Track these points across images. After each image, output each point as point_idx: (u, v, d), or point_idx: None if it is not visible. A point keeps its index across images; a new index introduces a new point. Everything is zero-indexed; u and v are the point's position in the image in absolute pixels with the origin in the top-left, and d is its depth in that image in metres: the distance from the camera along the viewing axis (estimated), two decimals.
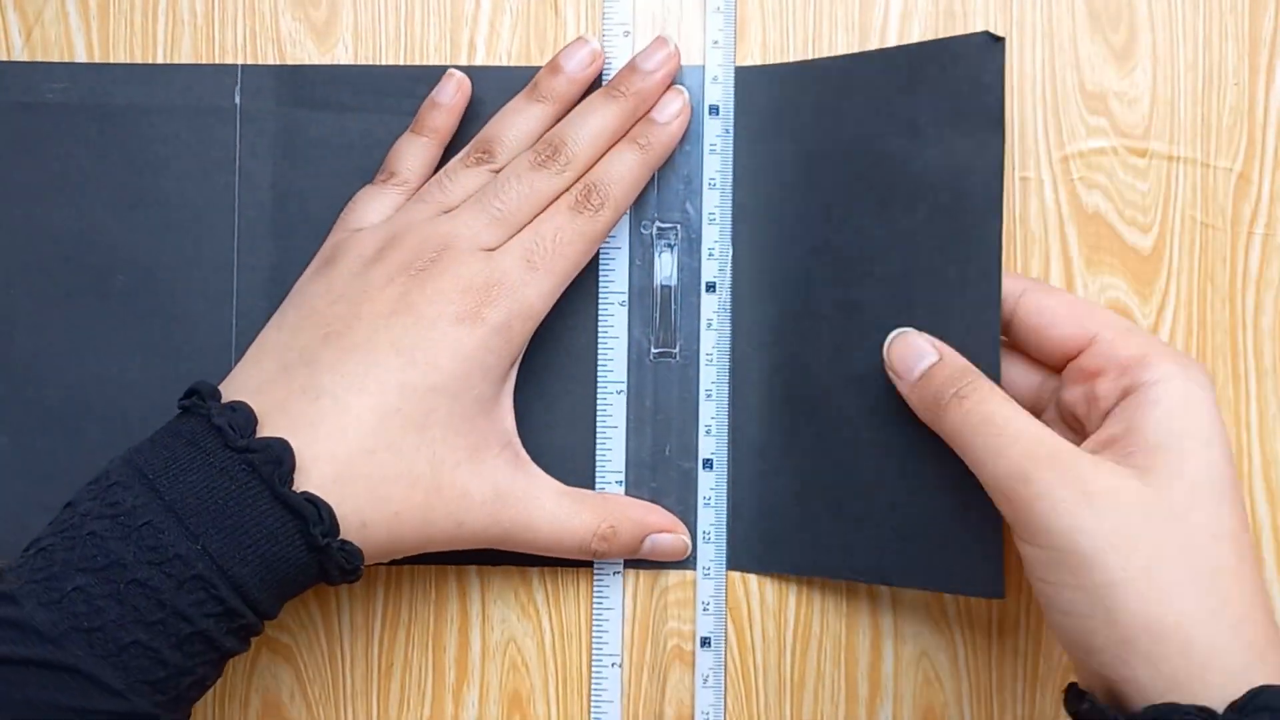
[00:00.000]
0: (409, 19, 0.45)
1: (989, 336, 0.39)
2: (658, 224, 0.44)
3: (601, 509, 0.41)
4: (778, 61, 0.44)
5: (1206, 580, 0.34)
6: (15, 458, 0.44)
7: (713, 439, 0.44)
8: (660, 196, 0.44)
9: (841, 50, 0.44)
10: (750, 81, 0.44)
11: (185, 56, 0.45)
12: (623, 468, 0.44)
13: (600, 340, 0.44)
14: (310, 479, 0.36)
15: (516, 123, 0.42)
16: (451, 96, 0.43)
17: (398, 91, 0.44)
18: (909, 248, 0.41)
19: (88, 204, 0.44)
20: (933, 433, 0.39)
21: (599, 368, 0.44)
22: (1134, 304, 0.44)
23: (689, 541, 0.43)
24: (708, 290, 0.44)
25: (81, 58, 0.45)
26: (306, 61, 0.45)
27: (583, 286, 0.43)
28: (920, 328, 0.40)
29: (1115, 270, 0.44)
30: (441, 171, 0.43)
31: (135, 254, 0.44)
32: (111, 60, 0.45)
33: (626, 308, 0.44)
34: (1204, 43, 0.44)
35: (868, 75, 0.42)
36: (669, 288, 0.44)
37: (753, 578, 0.44)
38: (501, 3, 0.45)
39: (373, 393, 0.37)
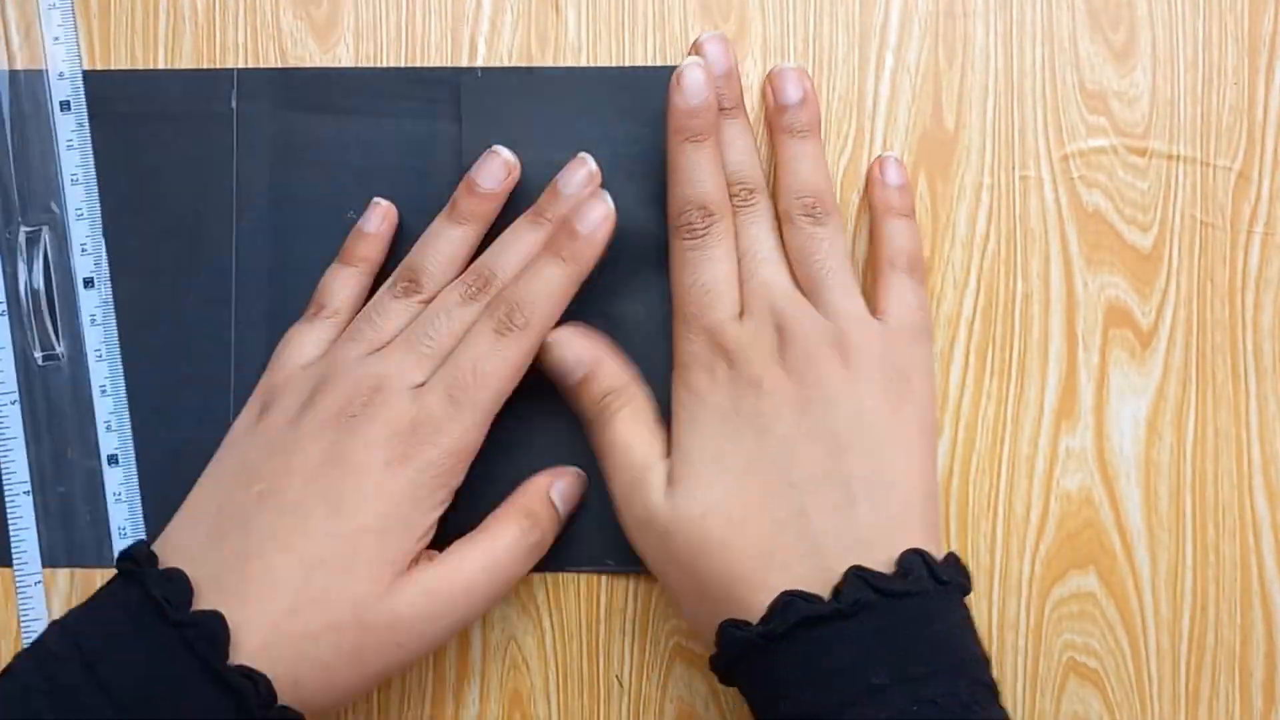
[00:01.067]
0: (410, 17, 0.45)
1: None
2: (23, 228, 0.44)
3: (503, 513, 0.41)
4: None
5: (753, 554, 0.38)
6: None
7: (114, 434, 0.44)
8: (22, 199, 0.44)
9: (841, 50, 0.44)
10: (481, 85, 0.44)
11: (186, 56, 0.45)
12: (28, 477, 0.44)
13: None
14: (242, 650, 0.36)
15: (440, 248, 0.42)
16: (378, 225, 0.43)
17: (394, 95, 0.44)
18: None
19: None
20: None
21: None
22: (1134, 302, 0.44)
23: (580, 472, 0.43)
24: (86, 286, 0.44)
25: (82, 56, 0.45)
26: (307, 60, 0.45)
27: None
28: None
29: (1115, 269, 0.44)
30: (369, 305, 0.42)
31: (133, 258, 0.44)
32: (112, 59, 0.45)
33: (5, 316, 0.44)
34: (1204, 42, 0.44)
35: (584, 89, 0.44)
36: (38, 290, 0.44)
37: None
38: (502, 1, 0.45)
39: (298, 549, 0.37)
